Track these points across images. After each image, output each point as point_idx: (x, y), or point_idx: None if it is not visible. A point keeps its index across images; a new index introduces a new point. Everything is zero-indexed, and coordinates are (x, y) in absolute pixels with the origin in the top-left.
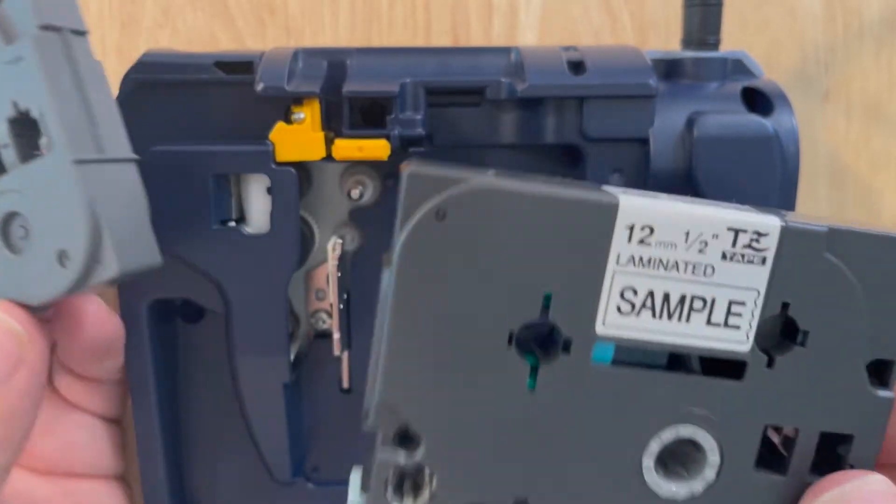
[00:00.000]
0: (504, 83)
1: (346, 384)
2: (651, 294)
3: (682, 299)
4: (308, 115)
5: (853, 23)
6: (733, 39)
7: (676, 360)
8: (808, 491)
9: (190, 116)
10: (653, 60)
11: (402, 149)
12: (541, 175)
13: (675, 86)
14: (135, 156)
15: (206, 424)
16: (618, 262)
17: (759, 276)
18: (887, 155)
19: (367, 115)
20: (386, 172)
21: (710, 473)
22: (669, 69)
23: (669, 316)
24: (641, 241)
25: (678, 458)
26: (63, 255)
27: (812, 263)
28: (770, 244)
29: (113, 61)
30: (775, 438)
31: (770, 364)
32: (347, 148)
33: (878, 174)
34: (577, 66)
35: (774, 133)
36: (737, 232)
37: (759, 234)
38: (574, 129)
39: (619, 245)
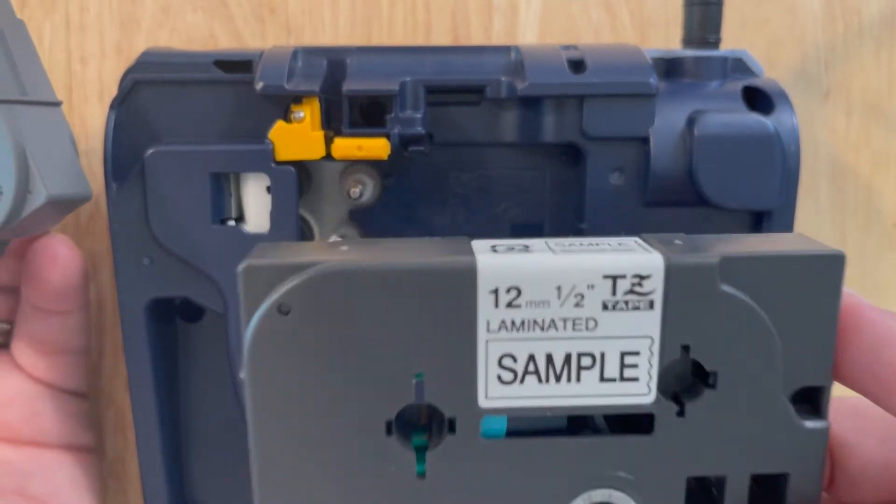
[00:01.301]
0: (504, 82)
1: None
2: (532, 358)
3: (568, 359)
4: (308, 114)
5: (853, 21)
6: (734, 38)
7: (578, 421)
8: None
9: (189, 115)
10: (653, 59)
11: (403, 147)
12: (398, 239)
13: (675, 84)
14: (58, 100)
15: (205, 424)
16: (488, 329)
17: (649, 322)
18: (887, 153)
19: (367, 113)
20: (386, 171)
21: None
22: (670, 68)
23: (557, 378)
24: (510, 304)
25: None
26: None
27: (707, 298)
28: (655, 286)
29: (112, 60)
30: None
31: (681, 412)
32: (347, 147)
33: (878, 172)
34: (577, 65)
35: (775, 132)
36: (614, 279)
37: (641, 277)
38: (574, 127)
39: (487, 311)
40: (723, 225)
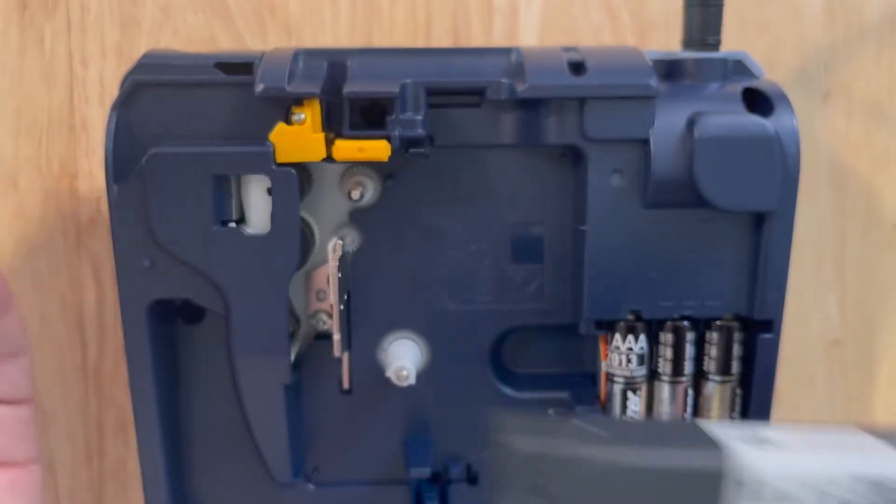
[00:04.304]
0: (505, 84)
1: (346, 385)
2: None
3: None
4: (308, 116)
5: (853, 23)
6: (734, 40)
7: None
8: None
9: (190, 117)
10: (653, 61)
11: (403, 149)
12: (637, 422)
13: (675, 86)
14: None
15: (206, 425)
16: None
17: None
18: (888, 155)
19: (368, 115)
20: (386, 173)
21: None
22: (670, 70)
23: None
24: None
25: None
26: None
27: None
28: None
29: (113, 62)
30: None
31: None
32: (348, 149)
33: (878, 174)
34: (577, 67)
35: (775, 133)
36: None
37: None
38: (575, 129)
39: None
40: (723, 226)
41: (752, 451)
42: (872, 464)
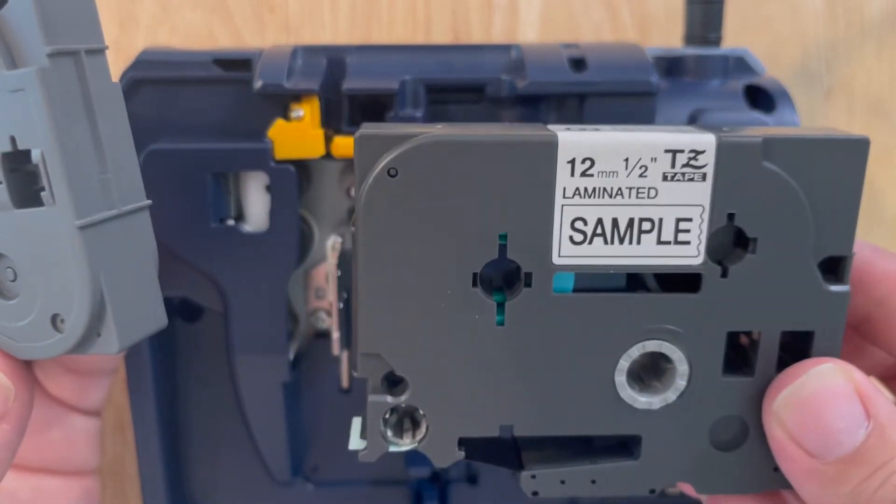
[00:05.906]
0: (504, 80)
1: (345, 384)
2: (600, 221)
3: (631, 223)
4: (307, 113)
5: (855, 20)
6: (735, 36)
7: (635, 280)
8: (769, 388)
9: (188, 114)
10: (654, 58)
11: None
12: (487, 123)
13: (676, 83)
14: (147, 201)
15: (205, 424)
16: (564, 195)
17: (701, 192)
18: (889, 151)
19: (367, 112)
20: None
21: (680, 382)
22: (671, 66)
23: (621, 240)
24: (584, 174)
25: (652, 372)
26: (58, 319)
27: (751, 173)
28: (708, 160)
29: (111, 59)
30: (745, 342)
31: (724, 273)
32: (347, 145)
33: (880, 171)
34: (577, 63)
35: None
36: (674, 153)
37: (696, 152)
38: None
39: (564, 179)
40: None
41: (578, 133)
42: (674, 137)
